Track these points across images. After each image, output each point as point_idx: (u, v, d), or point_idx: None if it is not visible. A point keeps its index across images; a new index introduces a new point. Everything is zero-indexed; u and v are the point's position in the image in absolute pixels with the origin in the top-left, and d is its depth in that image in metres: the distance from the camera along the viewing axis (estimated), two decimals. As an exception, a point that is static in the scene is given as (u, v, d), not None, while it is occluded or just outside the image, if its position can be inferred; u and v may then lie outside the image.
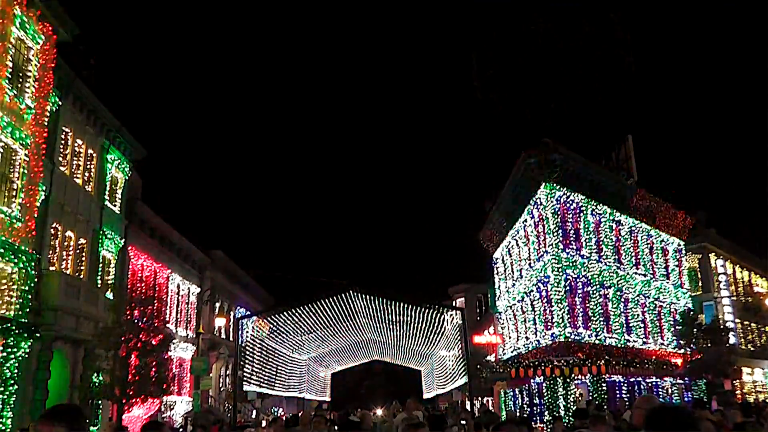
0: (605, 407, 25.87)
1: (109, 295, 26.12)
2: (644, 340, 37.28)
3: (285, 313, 34.86)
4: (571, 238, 33.91)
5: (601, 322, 33.87)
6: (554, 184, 33.50)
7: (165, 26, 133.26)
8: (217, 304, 43.24)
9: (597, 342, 32.85)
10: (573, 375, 30.48)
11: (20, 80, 19.60)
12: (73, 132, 24.72)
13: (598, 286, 34.47)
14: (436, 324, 34.65)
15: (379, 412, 44.17)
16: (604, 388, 31.40)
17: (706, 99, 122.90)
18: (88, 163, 26.27)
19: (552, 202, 33.51)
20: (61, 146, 23.84)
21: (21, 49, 19.69)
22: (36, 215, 20.44)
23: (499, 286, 46.98)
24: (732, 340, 39.22)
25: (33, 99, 20.06)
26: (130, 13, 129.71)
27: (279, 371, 43.85)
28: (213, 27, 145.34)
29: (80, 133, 25.38)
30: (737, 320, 44.48)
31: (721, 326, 38.15)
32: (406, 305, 31.57)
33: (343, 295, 32.02)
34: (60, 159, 23.65)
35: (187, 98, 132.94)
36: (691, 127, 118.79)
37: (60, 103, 23.49)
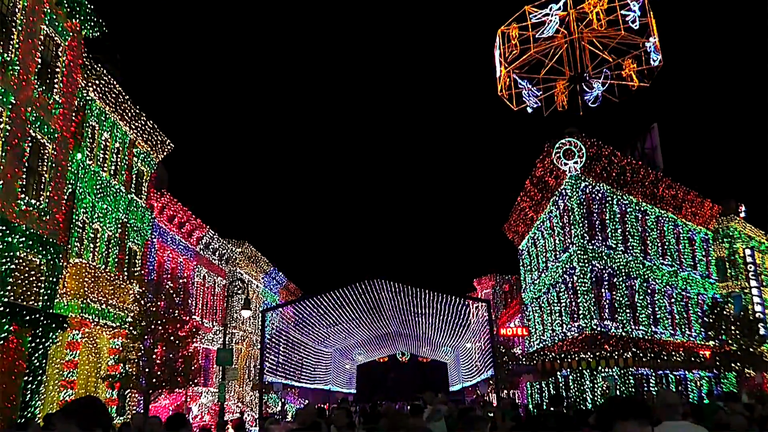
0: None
1: (136, 286, 26.44)
2: (672, 331, 36.84)
3: (310, 304, 35.06)
4: (597, 229, 33.60)
5: (628, 314, 33.49)
6: (579, 174, 33.21)
7: (191, 23, 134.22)
8: (243, 296, 43.49)
9: (624, 334, 32.51)
10: (600, 367, 30.24)
11: (49, 76, 19.90)
12: (100, 126, 25.04)
13: (624, 277, 34.10)
14: (462, 316, 34.63)
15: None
16: (632, 381, 31.12)
17: (733, 86, 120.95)
18: (115, 156, 26.58)
19: (577, 192, 33.20)
20: (89, 140, 24.17)
21: (50, 45, 20.00)
22: (64, 208, 20.75)
23: (525, 278, 46.71)
24: (762, 331, 38.53)
25: (61, 94, 20.34)
26: (156, 11, 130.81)
27: (304, 363, 44.13)
28: (242, 22, 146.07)
29: (107, 128, 25.70)
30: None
31: (751, 317, 37.55)
32: (429, 293, 31.58)
33: (368, 287, 32.11)
34: (87, 153, 23.97)
35: (216, 92, 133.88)
36: (717, 115, 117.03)
37: (87, 97, 23.82)
